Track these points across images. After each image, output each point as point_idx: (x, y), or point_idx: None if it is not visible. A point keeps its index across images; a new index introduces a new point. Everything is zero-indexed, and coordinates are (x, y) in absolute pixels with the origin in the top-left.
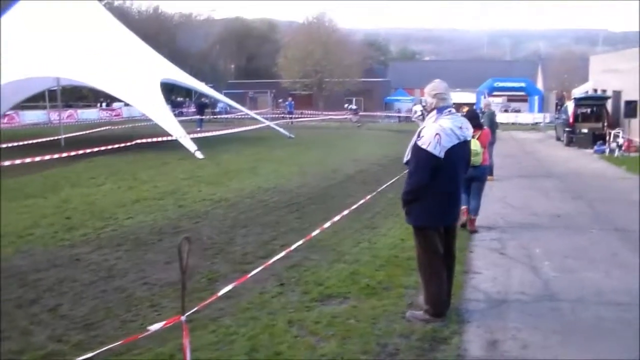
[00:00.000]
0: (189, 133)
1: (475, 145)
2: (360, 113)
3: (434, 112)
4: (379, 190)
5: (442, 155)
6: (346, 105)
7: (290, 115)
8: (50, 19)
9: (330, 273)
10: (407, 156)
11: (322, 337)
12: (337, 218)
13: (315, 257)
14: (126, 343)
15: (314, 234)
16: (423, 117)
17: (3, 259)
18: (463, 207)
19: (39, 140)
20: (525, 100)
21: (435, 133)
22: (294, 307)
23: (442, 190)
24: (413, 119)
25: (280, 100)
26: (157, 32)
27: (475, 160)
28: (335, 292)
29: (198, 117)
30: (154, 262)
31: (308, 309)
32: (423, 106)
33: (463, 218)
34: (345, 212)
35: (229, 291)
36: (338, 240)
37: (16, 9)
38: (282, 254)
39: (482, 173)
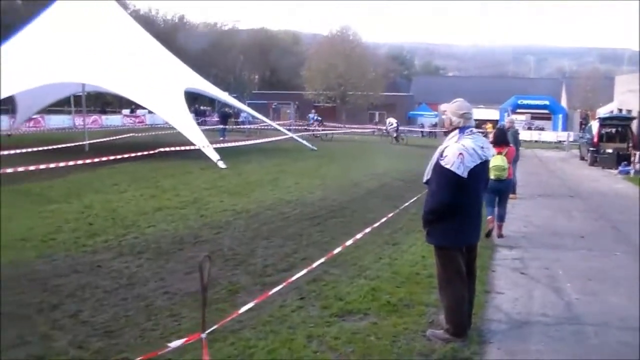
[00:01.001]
0: (211, 142)
1: (502, 161)
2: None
3: (456, 131)
4: (402, 207)
5: (465, 174)
6: (311, 115)
7: (318, 127)
8: (77, 26)
9: (351, 288)
10: (427, 175)
11: (342, 353)
12: (359, 235)
13: (336, 271)
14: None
15: (336, 251)
16: (397, 129)
17: (25, 264)
18: (489, 217)
19: (64, 145)
20: (549, 119)
21: (459, 153)
22: (314, 321)
23: (464, 210)
24: (387, 129)
25: (312, 116)
26: (182, 41)
27: (502, 174)
28: (356, 308)
29: (221, 126)
30: (175, 272)
31: (328, 324)
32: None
33: (490, 226)
34: (368, 229)
35: (248, 303)
36: (359, 255)
37: (44, 16)
38: (304, 271)
39: (507, 186)
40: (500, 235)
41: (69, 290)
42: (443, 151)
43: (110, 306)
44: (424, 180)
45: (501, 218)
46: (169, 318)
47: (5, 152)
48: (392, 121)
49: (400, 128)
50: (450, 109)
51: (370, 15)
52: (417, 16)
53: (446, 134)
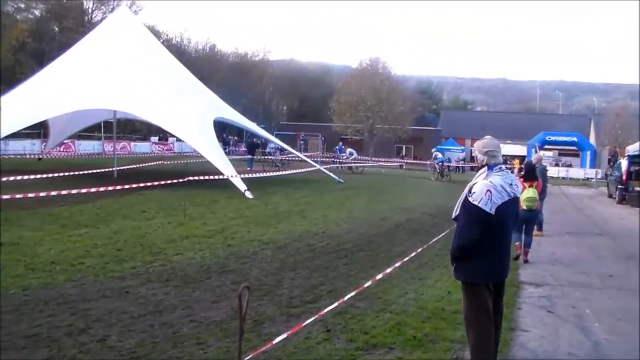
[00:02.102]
0: (239, 173)
1: (534, 192)
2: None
3: (485, 168)
4: (431, 242)
5: (492, 211)
6: (339, 147)
7: (346, 160)
8: (110, 54)
9: (376, 322)
10: (456, 211)
11: None
12: (389, 270)
13: (362, 304)
14: None
15: (366, 284)
16: (442, 162)
17: (56, 286)
18: (517, 243)
19: (93, 170)
20: (576, 155)
21: (487, 189)
22: (339, 354)
23: (492, 246)
24: (434, 164)
25: (340, 148)
26: (212, 71)
27: (533, 205)
28: (381, 342)
29: (249, 156)
30: (201, 300)
31: (353, 358)
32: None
33: (517, 252)
34: (398, 263)
35: (275, 333)
36: (384, 289)
37: (79, 44)
38: (335, 304)
39: (535, 216)
40: (526, 261)
41: (97, 314)
42: (472, 187)
43: (137, 332)
44: (453, 216)
45: (527, 244)
46: (195, 346)
47: (37, 176)
48: (437, 155)
49: (428, 162)
50: (477, 146)
51: (399, 48)
52: (446, 49)
53: (476, 170)
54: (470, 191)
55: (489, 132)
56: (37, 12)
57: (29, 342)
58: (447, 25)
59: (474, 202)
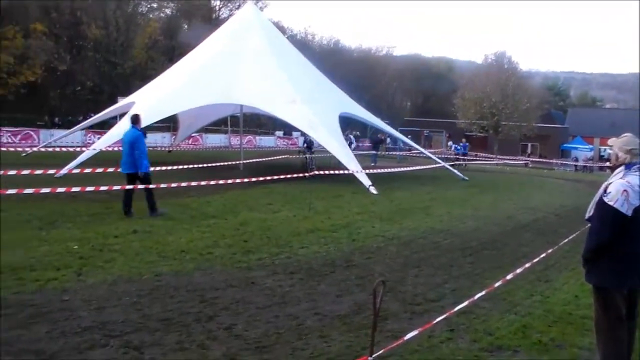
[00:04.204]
0: (363, 168)
1: None
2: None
3: (622, 167)
4: (560, 244)
5: (629, 213)
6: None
7: (464, 157)
8: (237, 50)
9: (501, 323)
10: (589, 212)
11: None
12: (519, 270)
13: (486, 305)
14: None
15: (496, 284)
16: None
17: (185, 274)
18: None
19: (221, 163)
20: None
21: (623, 190)
22: (462, 354)
23: (627, 249)
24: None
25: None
26: (336, 66)
27: None
28: (506, 344)
29: (373, 152)
30: (326, 294)
31: (477, 359)
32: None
33: None
34: (528, 264)
35: (398, 330)
36: (509, 290)
37: (207, 41)
38: (464, 304)
39: None
40: None
41: (224, 303)
42: (607, 187)
43: (263, 322)
44: (586, 216)
45: None
46: (318, 339)
47: (167, 168)
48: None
49: (554, 161)
50: (617, 144)
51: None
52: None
53: (612, 169)
54: (605, 191)
55: (620, 130)
56: (167, 11)
57: (161, 325)
58: (574, 18)
59: (609, 203)
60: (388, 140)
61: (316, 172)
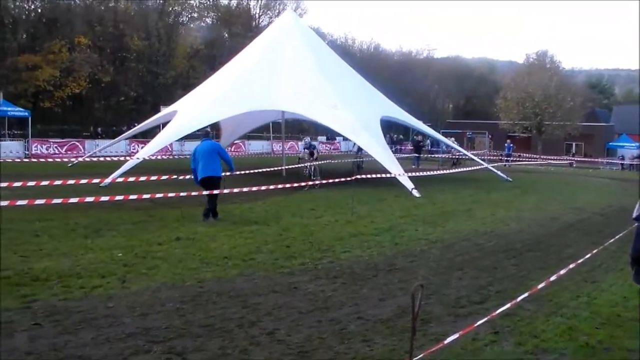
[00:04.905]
0: (405, 171)
1: None
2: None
3: None
4: (606, 244)
5: None
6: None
7: (508, 158)
8: (277, 57)
9: (546, 326)
10: (636, 211)
11: None
12: (563, 272)
13: (531, 307)
14: None
15: (539, 286)
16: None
17: (228, 280)
18: None
19: (263, 169)
20: None
21: None
22: (507, 357)
23: None
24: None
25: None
26: (377, 70)
27: None
28: (552, 347)
29: (415, 155)
30: (369, 298)
31: None
32: None
33: None
34: (572, 265)
35: (441, 333)
36: (554, 292)
37: (248, 48)
38: (508, 305)
39: None
40: None
41: (267, 308)
42: None
43: (305, 327)
44: (634, 215)
45: None
46: (361, 343)
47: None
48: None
49: (599, 160)
50: None
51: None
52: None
53: None
54: None
55: None
56: (208, 20)
57: (204, 331)
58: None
59: None
60: (427, 142)
61: (357, 177)
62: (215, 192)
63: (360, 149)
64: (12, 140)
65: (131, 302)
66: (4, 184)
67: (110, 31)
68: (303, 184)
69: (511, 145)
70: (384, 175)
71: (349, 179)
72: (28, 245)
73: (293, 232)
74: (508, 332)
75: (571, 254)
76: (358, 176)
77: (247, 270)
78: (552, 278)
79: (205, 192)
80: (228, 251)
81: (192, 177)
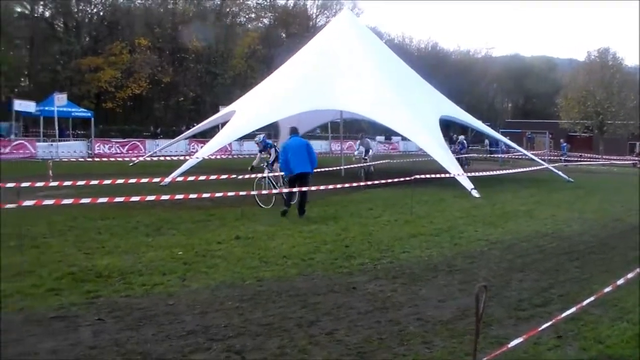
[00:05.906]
0: (465, 171)
1: None
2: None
3: None
4: None
5: None
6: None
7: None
8: (334, 57)
9: (612, 331)
10: None
11: None
12: (631, 275)
13: (596, 311)
14: None
15: (606, 290)
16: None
17: (287, 279)
18: None
19: (323, 169)
20: None
21: None
22: None
23: None
24: None
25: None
26: (435, 69)
27: None
28: (617, 353)
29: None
30: (428, 299)
31: None
32: None
33: None
34: (638, 269)
35: (502, 336)
36: (620, 296)
37: (305, 48)
38: (572, 309)
39: None
40: None
41: (326, 308)
42: None
43: (364, 327)
44: None
45: None
46: (421, 345)
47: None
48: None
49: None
50: None
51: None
52: None
53: None
54: None
55: None
56: (265, 21)
57: (263, 330)
58: None
59: None
60: (485, 142)
61: (417, 177)
62: (304, 188)
63: (366, 152)
64: (76, 140)
65: (191, 300)
66: (68, 183)
67: (169, 33)
68: (362, 183)
69: (565, 144)
70: (443, 175)
71: (407, 178)
72: (91, 243)
73: (352, 231)
74: (572, 336)
75: (636, 257)
76: (417, 176)
77: (306, 269)
78: (620, 282)
79: (285, 190)
80: (287, 250)
81: (282, 170)
